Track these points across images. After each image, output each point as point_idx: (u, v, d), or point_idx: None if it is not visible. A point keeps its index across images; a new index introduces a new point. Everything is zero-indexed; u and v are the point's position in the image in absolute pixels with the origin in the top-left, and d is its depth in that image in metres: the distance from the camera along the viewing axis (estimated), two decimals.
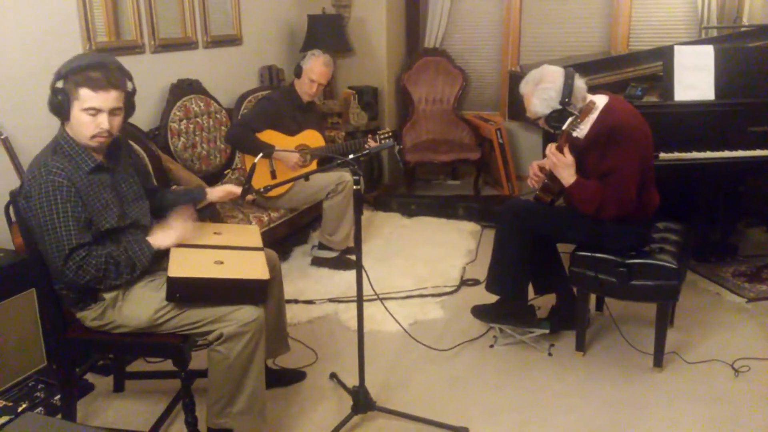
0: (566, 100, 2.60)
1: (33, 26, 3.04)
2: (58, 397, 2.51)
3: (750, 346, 2.94)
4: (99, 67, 2.03)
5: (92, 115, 2.03)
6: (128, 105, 2.16)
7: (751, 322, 3.17)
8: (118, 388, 2.68)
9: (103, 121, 2.05)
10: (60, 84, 2.03)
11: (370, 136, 3.77)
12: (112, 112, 2.06)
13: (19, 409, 2.42)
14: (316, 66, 3.79)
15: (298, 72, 3.83)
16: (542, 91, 2.64)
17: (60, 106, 2.04)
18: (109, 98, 2.04)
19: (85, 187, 2.06)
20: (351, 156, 2.27)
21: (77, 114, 2.04)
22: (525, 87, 2.72)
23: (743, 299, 3.37)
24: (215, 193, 2.54)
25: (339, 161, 2.34)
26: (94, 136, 2.06)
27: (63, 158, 2.05)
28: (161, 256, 2.19)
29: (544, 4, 5.36)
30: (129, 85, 2.15)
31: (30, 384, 2.62)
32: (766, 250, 3.98)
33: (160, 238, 2.21)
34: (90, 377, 2.73)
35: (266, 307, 2.26)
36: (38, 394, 2.56)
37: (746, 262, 3.76)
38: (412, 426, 2.44)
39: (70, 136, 2.08)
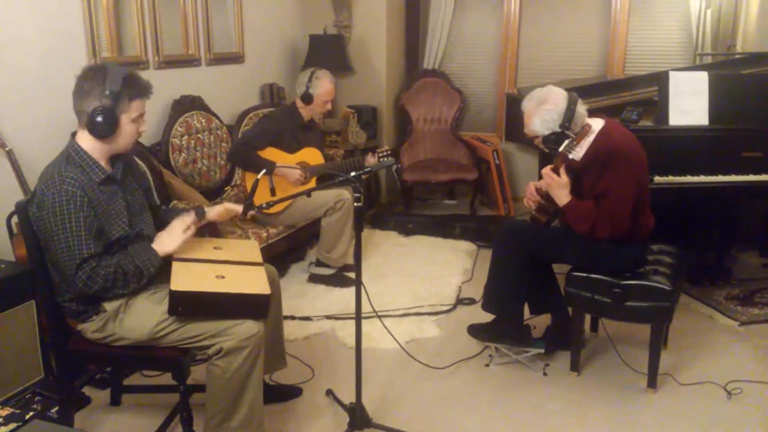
0: (566, 124, 2.64)
1: (39, 41, 3.08)
2: (56, 409, 2.52)
3: (742, 369, 2.96)
4: (134, 75, 2.13)
5: (137, 122, 2.14)
6: None
7: (744, 345, 3.20)
8: (115, 401, 2.68)
9: (143, 124, 2.18)
10: (112, 104, 2.05)
11: (370, 153, 3.82)
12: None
13: (27, 417, 2.43)
14: (326, 87, 3.84)
15: (309, 99, 3.83)
16: (544, 112, 2.67)
17: (108, 125, 2.07)
18: (148, 101, 2.17)
19: (97, 197, 2.09)
20: (352, 173, 2.30)
21: (126, 127, 2.12)
22: (528, 104, 2.75)
23: (736, 322, 3.41)
24: (213, 211, 2.53)
25: (340, 179, 2.37)
26: (134, 141, 2.19)
27: (75, 169, 2.08)
28: (165, 267, 2.21)
29: (541, 28, 5.45)
30: None
31: (27, 396, 2.62)
32: (759, 274, 4.03)
33: (165, 243, 2.23)
34: (87, 390, 2.73)
35: (265, 323, 2.28)
36: (35, 406, 2.56)
37: (739, 286, 3.80)
38: None
39: (81, 147, 2.11)
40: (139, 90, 2.12)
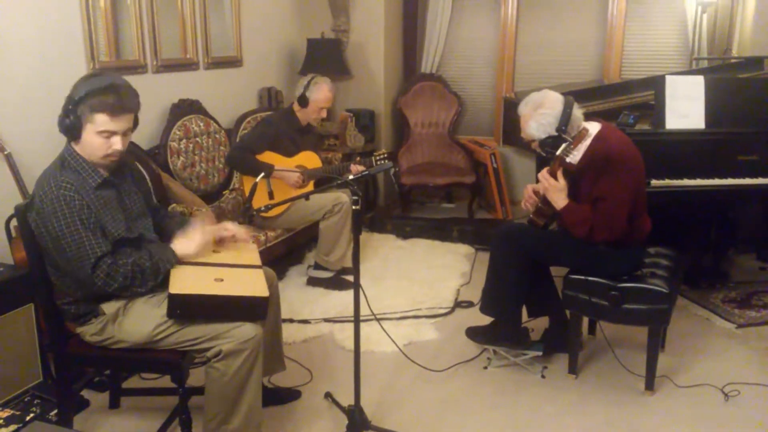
0: (563, 127, 2.65)
1: (38, 45, 3.09)
2: (54, 412, 2.52)
3: (739, 371, 2.97)
4: (113, 90, 2.06)
5: (106, 138, 2.08)
6: (135, 122, 2.20)
7: (741, 347, 3.21)
8: (114, 404, 2.68)
9: (116, 143, 2.10)
10: (73, 107, 2.05)
11: (358, 159, 3.84)
12: (124, 133, 2.12)
13: (27, 418, 2.43)
14: (324, 94, 3.86)
15: (304, 102, 3.87)
16: (540, 116, 2.69)
17: (71, 128, 2.07)
18: (123, 121, 2.09)
19: (93, 201, 2.10)
20: (350, 177, 2.32)
21: (90, 136, 2.08)
22: (524, 108, 2.77)
23: (733, 325, 3.42)
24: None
25: (338, 182, 2.38)
26: (106, 156, 2.12)
27: (71, 173, 2.09)
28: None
29: (538, 33, 5.48)
30: (139, 104, 2.18)
31: (26, 399, 2.62)
32: (756, 276, 4.04)
33: (183, 245, 2.24)
34: (86, 393, 2.72)
35: (263, 326, 2.28)
36: (34, 409, 2.56)
37: (736, 289, 3.81)
38: None
39: (76, 152, 2.12)
40: (103, 105, 2.04)
